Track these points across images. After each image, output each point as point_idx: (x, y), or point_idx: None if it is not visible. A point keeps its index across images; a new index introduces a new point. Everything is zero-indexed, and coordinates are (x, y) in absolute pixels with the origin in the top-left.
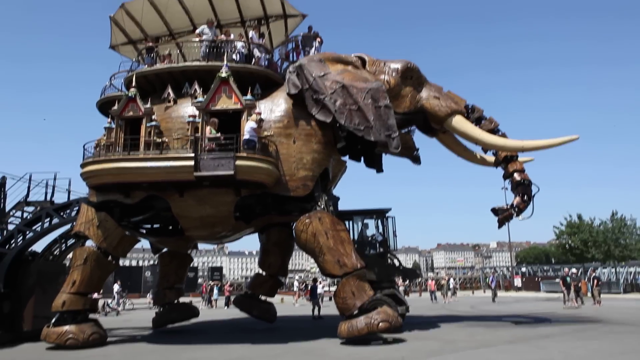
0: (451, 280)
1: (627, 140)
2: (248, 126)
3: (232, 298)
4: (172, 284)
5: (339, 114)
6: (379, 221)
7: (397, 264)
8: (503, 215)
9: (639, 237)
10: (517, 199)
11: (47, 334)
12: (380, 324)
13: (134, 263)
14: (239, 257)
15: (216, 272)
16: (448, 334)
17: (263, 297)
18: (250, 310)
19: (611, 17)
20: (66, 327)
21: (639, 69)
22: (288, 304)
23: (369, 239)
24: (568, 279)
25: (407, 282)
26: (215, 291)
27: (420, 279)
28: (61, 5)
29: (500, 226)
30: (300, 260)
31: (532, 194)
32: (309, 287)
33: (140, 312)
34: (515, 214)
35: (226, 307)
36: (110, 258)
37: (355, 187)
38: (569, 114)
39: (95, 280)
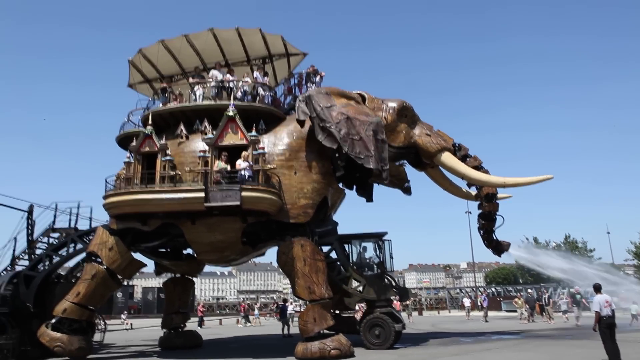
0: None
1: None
2: (241, 164)
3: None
4: (178, 309)
5: (343, 142)
6: (376, 244)
7: (393, 284)
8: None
9: (589, 259)
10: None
11: (42, 333)
12: (332, 351)
13: None
14: (211, 278)
15: None
16: (404, 349)
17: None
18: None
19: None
20: (59, 335)
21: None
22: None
23: (367, 260)
24: (578, 296)
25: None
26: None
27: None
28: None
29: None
30: (273, 281)
31: (494, 236)
32: (279, 307)
33: (117, 333)
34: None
35: (199, 327)
36: (115, 279)
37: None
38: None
39: (97, 297)
